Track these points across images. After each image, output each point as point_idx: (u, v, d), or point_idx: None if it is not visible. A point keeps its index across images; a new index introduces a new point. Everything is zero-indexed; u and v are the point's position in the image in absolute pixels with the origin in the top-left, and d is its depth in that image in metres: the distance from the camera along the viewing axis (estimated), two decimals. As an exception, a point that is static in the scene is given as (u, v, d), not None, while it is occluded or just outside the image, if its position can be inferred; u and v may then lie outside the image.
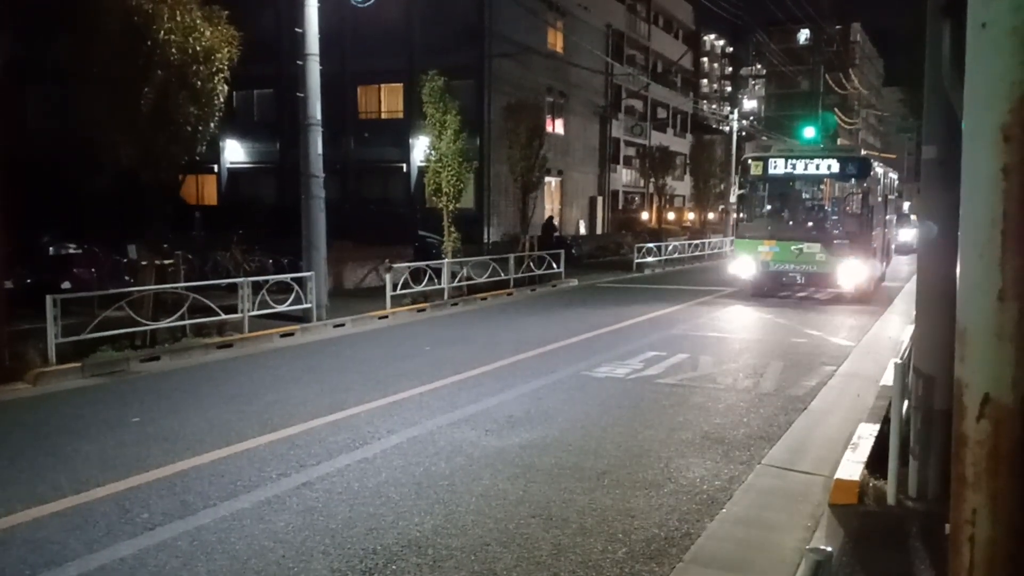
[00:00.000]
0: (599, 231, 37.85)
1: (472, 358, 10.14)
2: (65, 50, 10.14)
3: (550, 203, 32.86)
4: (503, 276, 17.94)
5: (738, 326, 13.57)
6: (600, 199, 39.43)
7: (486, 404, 7.81)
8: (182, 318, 10.82)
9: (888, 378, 6.76)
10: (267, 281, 12.68)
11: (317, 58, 13.19)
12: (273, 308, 12.30)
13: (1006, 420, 1.65)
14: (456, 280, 16.59)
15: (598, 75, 37.12)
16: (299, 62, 13.18)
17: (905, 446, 5.10)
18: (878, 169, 18.01)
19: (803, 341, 11.82)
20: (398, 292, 14.88)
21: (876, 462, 5.34)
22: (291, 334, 12.00)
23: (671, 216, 43.67)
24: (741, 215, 17.87)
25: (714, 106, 62.26)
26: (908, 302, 12.90)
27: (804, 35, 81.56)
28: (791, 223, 17.30)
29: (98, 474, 5.74)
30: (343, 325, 13.01)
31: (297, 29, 13.15)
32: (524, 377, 9.08)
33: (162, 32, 9.81)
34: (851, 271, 15.78)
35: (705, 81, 77.34)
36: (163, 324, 10.55)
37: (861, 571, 4.15)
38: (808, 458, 6.21)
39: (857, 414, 7.08)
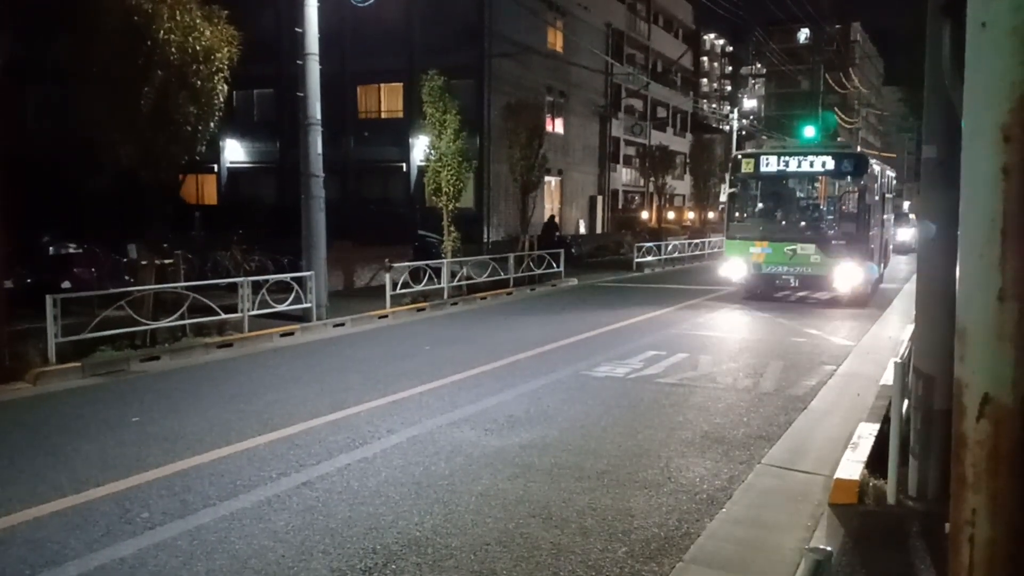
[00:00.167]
0: (599, 230, 37.85)
1: (472, 358, 10.14)
2: (65, 50, 10.13)
3: (550, 202, 32.85)
4: (503, 275, 17.95)
5: (738, 325, 13.56)
6: (600, 198, 39.43)
7: (486, 404, 7.81)
8: (182, 318, 10.82)
9: (888, 378, 6.76)
10: (267, 281, 12.67)
11: (317, 58, 13.20)
12: (273, 308, 12.30)
13: (1006, 420, 1.65)
14: (456, 280, 16.59)
15: (598, 74, 37.11)
16: (299, 62, 13.18)
17: (905, 446, 5.10)
18: (875, 166, 17.19)
19: (803, 340, 11.82)
20: (398, 292, 14.88)
21: (876, 462, 5.34)
22: (291, 334, 12.01)
23: (671, 215, 43.67)
24: (732, 215, 16.92)
25: (714, 105, 62.30)
26: (907, 303, 12.84)
27: (804, 34, 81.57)
28: (784, 223, 16.53)
29: (98, 474, 5.74)
30: (343, 325, 13.01)
31: (297, 29, 13.15)
32: (524, 377, 9.08)
33: (162, 32, 9.81)
34: (847, 273, 15.23)
35: (705, 80, 77.38)
36: (163, 324, 10.56)
37: (861, 571, 4.15)
38: (808, 458, 6.20)
39: (857, 414, 7.07)
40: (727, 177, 16.85)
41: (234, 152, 33.34)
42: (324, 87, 13.49)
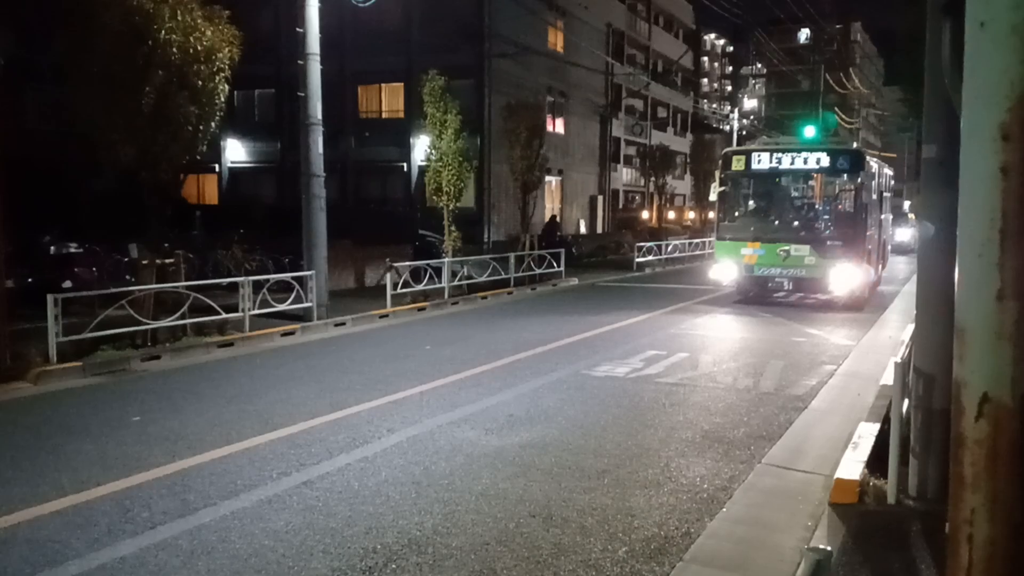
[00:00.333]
0: (599, 230, 37.84)
1: (472, 357, 10.14)
2: (65, 50, 10.12)
3: (550, 202, 32.86)
4: (503, 275, 17.95)
5: (739, 325, 13.55)
6: (600, 198, 39.43)
7: (486, 403, 7.81)
8: (183, 317, 10.82)
9: (888, 377, 6.76)
10: (268, 280, 12.67)
11: (318, 57, 13.20)
12: (274, 307, 12.31)
13: (1005, 420, 1.65)
14: (456, 279, 16.59)
15: (598, 74, 37.10)
16: (300, 62, 13.18)
17: (905, 445, 5.10)
18: (872, 163, 16.25)
19: (803, 340, 11.81)
20: (398, 291, 14.89)
21: (876, 461, 5.34)
22: (292, 333, 12.01)
23: (671, 215, 43.67)
24: (722, 214, 15.96)
25: (714, 105, 62.28)
26: (907, 303, 12.75)
27: (804, 34, 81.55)
28: (777, 223, 15.71)
29: (99, 473, 5.74)
30: (343, 324, 13.02)
31: (298, 29, 13.15)
32: (524, 376, 9.08)
33: (163, 32, 9.81)
34: (843, 275, 14.54)
35: (705, 80, 77.35)
36: (164, 323, 10.56)
37: (861, 571, 4.15)
38: (808, 457, 6.20)
39: (857, 413, 7.08)
40: (716, 175, 16.06)
41: (235, 152, 33.35)
42: (325, 87, 13.50)
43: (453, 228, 17.22)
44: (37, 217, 14.80)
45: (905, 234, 32.08)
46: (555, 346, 11.13)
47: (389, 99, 31.09)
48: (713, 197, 16.29)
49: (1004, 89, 1.61)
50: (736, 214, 16.16)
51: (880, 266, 18.83)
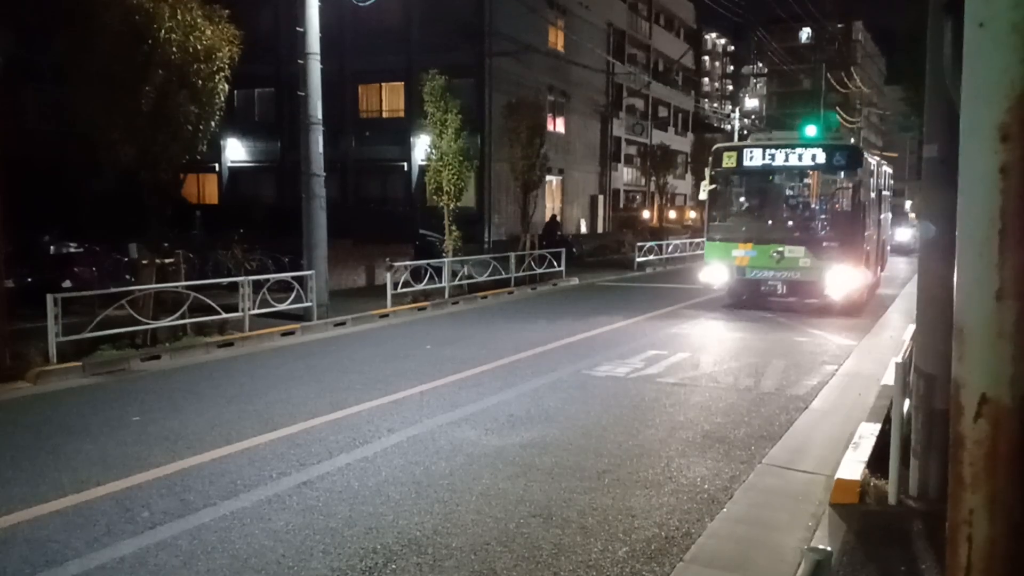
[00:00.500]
0: (600, 230, 37.84)
1: (472, 357, 10.14)
2: (65, 50, 10.12)
3: (551, 202, 32.85)
4: (504, 275, 17.94)
5: (739, 324, 13.54)
6: (601, 198, 39.42)
7: (486, 403, 7.81)
8: (183, 317, 10.83)
9: (889, 378, 6.75)
10: (268, 280, 12.67)
11: (318, 57, 13.20)
12: (274, 307, 12.31)
13: (1004, 420, 1.64)
14: (457, 279, 16.59)
15: (599, 74, 37.09)
16: (300, 61, 13.18)
17: (906, 446, 5.09)
18: (870, 160, 15.34)
19: (804, 340, 11.81)
20: (399, 291, 14.89)
21: (877, 461, 5.34)
22: (292, 333, 12.01)
23: (672, 215, 43.66)
24: (712, 214, 15.16)
25: (715, 104, 62.29)
26: (908, 304, 12.49)
27: (806, 33, 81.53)
28: (770, 223, 14.91)
29: (99, 473, 5.74)
30: (344, 324, 13.01)
31: (298, 28, 13.15)
32: (524, 376, 9.07)
33: (163, 31, 9.81)
34: (840, 278, 13.78)
35: (707, 79, 77.37)
36: (164, 323, 10.56)
37: (862, 570, 4.15)
38: (809, 457, 6.20)
39: (858, 413, 7.07)
40: (707, 172, 15.26)
41: (235, 151, 33.36)
42: (325, 86, 13.49)
43: (453, 227, 17.22)
44: (37, 217, 14.81)
45: (905, 234, 31.89)
46: (556, 346, 11.12)
47: (389, 98, 31.08)
48: (703, 196, 15.57)
49: (1004, 88, 1.60)
50: (727, 213, 15.45)
51: (879, 268, 18.29)
